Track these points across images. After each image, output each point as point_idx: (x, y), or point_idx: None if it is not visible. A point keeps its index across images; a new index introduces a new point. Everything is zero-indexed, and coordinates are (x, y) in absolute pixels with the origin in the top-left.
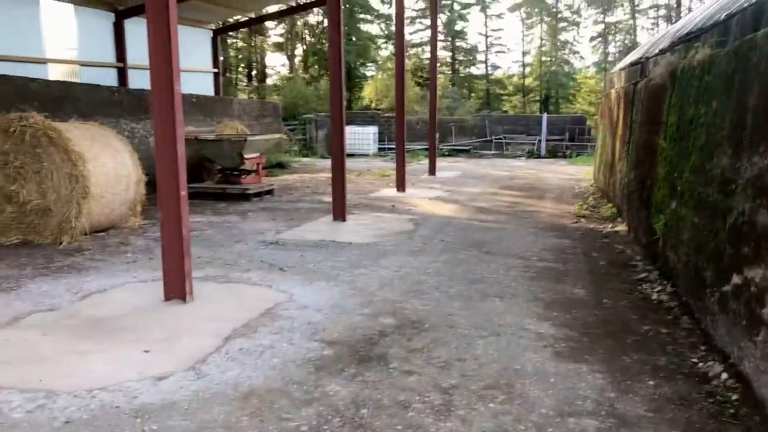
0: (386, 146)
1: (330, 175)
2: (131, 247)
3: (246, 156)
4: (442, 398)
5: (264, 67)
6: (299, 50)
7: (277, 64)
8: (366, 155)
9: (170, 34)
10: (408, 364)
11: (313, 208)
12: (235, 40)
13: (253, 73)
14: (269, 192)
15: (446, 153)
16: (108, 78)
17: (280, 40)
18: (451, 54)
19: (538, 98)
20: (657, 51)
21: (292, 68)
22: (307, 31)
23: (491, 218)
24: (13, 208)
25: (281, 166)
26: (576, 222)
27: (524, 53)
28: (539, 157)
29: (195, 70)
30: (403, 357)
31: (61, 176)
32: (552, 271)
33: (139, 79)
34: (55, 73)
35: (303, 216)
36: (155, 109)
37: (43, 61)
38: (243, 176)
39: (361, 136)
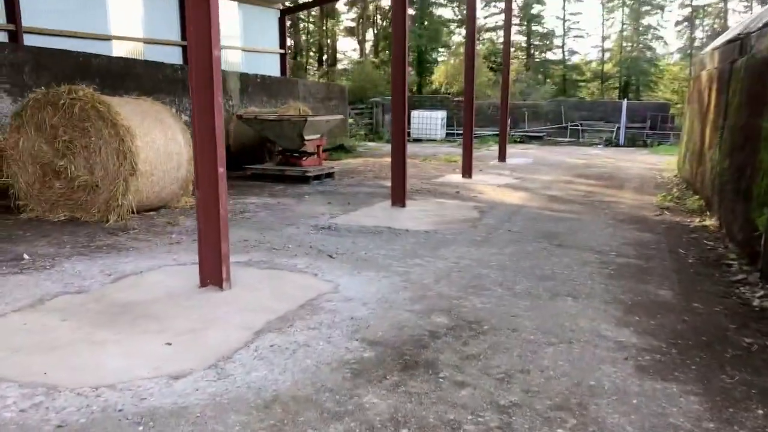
0: (455, 131)
1: None
2: (178, 228)
3: (306, 137)
4: (499, 419)
5: (335, 51)
6: (370, 35)
7: (348, 49)
8: (434, 140)
9: None
10: (461, 374)
11: (372, 192)
12: (306, 24)
13: (324, 57)
14: (329, 175)
15: (518, 139)
16: (172, 56)
17: (352, 24)
18: (526, 39)
19: (617, 85)
20: (762, 24)
21: (362, 53)
22: (378, 15)
23: (564, 208)
24: (62, 184)
25: (346, 150)
26: (659, 214)
27: (604, 38)
28: (618, 145)
29: (261, 51)
30: (456, 365)
31: (109, 152)
32: (633, 269)
33: None
34: (118, 50)
35: (361, 201)
36: (192, 75)
37: (107, 38)
38: (303, 158)
39: (429, 121)
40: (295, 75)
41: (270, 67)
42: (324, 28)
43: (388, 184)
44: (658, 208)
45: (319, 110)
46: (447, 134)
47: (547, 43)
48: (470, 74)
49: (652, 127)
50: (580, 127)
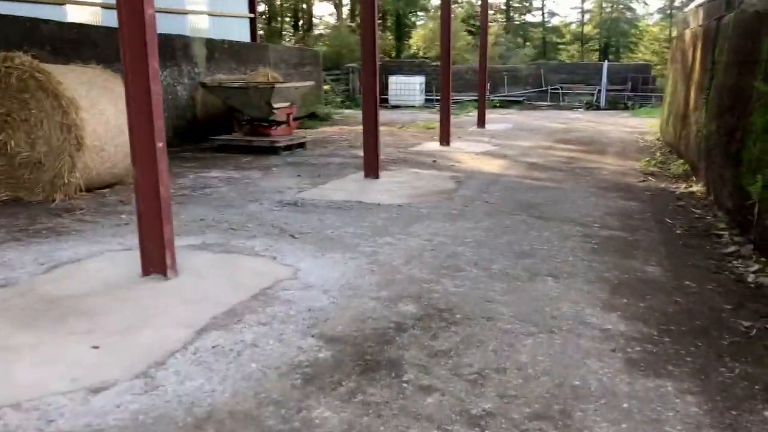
0: (434, 97)
1: None
2: (129, 207)
3: (275, 105)
4: None
5: (311, 15)
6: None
7: (325, 14)
8: (412, 106)
9: None
10: (428, 376)
11: (345, 163)
12: None
13: (300, 22)
14: (301, 145)
15: (498, 104)
16: None
17: None
18: (505, 1)
19: (597, 47)
20: None
21: (339, 17)
22: None
23: (545, 176)
24: (2, 161)
25: (321, 118)
26: (643, 181)
27: None
28: (598, 108)
29: (229, 15)
30: (423, 364)
31: (51, 125)
32: (618, 242)
33: (168, 24)
34: (74, 15)
35: (332, 172)
36: (122, 37)
37: (61, 2)
38: (273, 128)
39: (407, 86)
40: (270, 41)
41: (239, 32)
42: None
43: (363, 153)
44: (642, 174)
45: (292, 77)
46: (426, 100)
47: (527, 4)
48: (446, 37)
49: (633, 89)
50: (560, 91)
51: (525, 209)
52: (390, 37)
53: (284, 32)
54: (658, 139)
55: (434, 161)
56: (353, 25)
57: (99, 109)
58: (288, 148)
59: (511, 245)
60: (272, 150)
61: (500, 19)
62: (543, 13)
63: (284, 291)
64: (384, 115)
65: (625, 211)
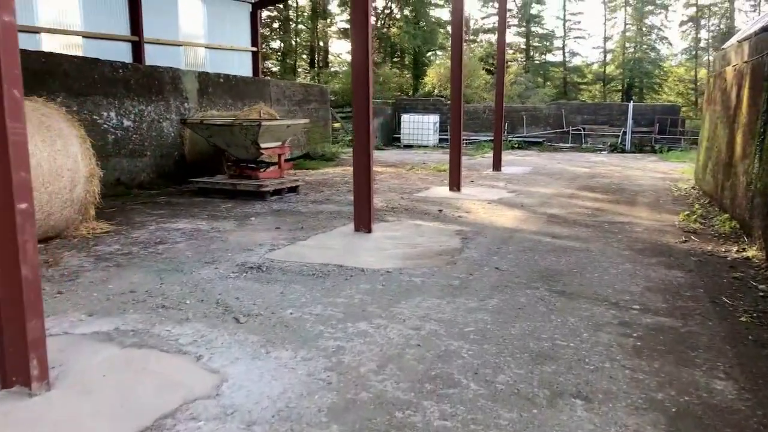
0: (449, 137)
1: (379, 168)
2: (51, 272)
3: (263, 145)
4: None
5: (327, 53)
6: None
7: (343, 51)
8: (426, 146)
9: None
10: None
11: (338, 212)
12: (296, 25)
13: (316, 59)
14: (293, 189)
15: (516, 145)
16: (119, 53)
17: (346, 26)
18: (525, 40)
19: (619, 88)
20: None
21: None
22: (373, 17)
23: (567, 232)
24: None
25: (326, 159)
26: (685, 241)
27: (606, 39)
28: (623, 151)
29: (229, 48)
30: None
31: None
32: (668, 336)
33: (160, 55)
34: (51, 45)
35: (319, 224)
36: None
37: (35, 31)
38: (261, 170)
39: (420, 125)
40: (284, 77)
41: (240, 66)
42: (315, 29)
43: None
44: (682, 231)
45: (295, 114)
46: (440, 140)
47: (547, 44)
48: (457, 74)
49: (661, 131)
50: (582, 132)
51: (544, 280)
52: (407, 75)
53: (299, 69)
54: (693, 187)
55: (440, 211)
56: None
57: (29, 150)
58: (277, 192)
59: (526, 339)
60: (258, 195)
61: (520, 59)
62: (564, 53)
63: (190, 422)
64: (394, 155)
65: (670, 285)
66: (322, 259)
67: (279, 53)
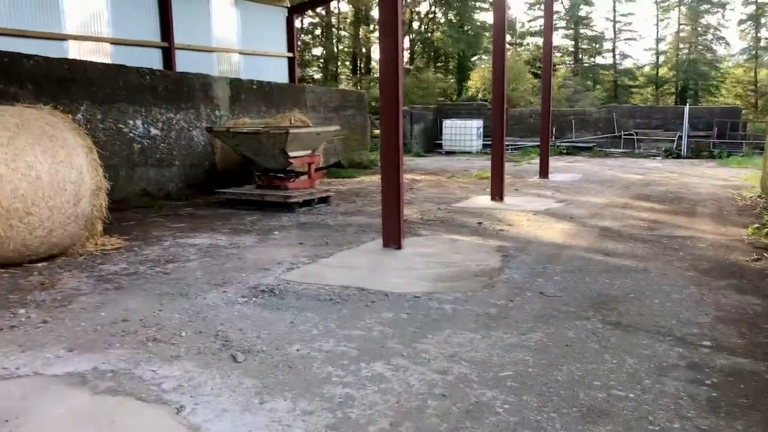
0: None
1: (418, 176)
2: (44, 295)
3: (291, 154)
4: None
5: (369, 59)
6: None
7: None
8: (468, 153)
9: None
10: None
11: (368, 225)
12: (339, 31)
13: (359, 65)
14: (324, 200)
15: (564, 150)
16: (150, 60)
17: None
18: (573, 42)
19: (673, 90)
20: None
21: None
22: (416, 21)
23: (622, 249)
24: None
25: (364, 166)
26: (758, 259)
27: (658, 40)
28: (679, 156)
29: (264, 54)
30: None
31: None
32: (750, 384)
33: (192, 62)
34: (77, 51)
35: (346, 238)
36: None
37: (62, 38)
38: (290, 180)
39: (462, 131)
40: (324, 84)
41: (276, 72)
42: (358, 35)
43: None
44: (753, 248)
45: (332, 121)
46: (484, 146)
47: (597, 46)
48: (499, 75)
49: (720, 135)
50: (635, 137)
51: (596, 308)
52: (451, 80)
53: (342, 75)
54: (760, 196)
55: (479, 223)
56: (411, 67)
57: (26, 162)
58: (306, 203)
59: (575, 387)
60: (286, 206)
61: (568, 62)
62: (614, 55)
63: None
64: (435, 161)
65: (745, 315)
66: (343, 281)
67: (321, 60)
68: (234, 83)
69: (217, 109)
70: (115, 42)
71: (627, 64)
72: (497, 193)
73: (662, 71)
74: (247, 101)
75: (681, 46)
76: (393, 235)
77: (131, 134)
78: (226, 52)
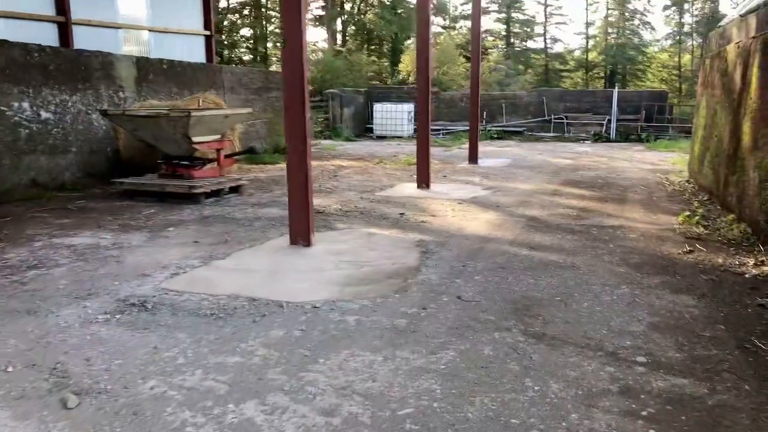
0: None
1: (344, 162)
2: None
3: (196, 139)
4: None
5: None
6: (340, 23)
7: (319, 40)
8: (399, 137)
9: None
10: None
11: (280, 217)
12: (269, 11)
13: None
14: (236, 189)
15: (495, 135)
16: (43, 35)
17: (321, 12)
18: (505, 27)
19: (602, 74)
20: None
21: (334, 42)
22: (349, 2)
23: (549, 241)
24: None
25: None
26: (690, 251)
27: (588, 24)
28: (608, 140)
29: (176, 31)
30: None
31: None
32: (692, 415)
33: (93, 39)
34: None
35: (251, 234)
36: None
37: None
38: (196, 167)
39: (394, 115)
40: (255, 66)
41: (191, 52)
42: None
43: (316, 201)
44: (685, 237)
45: (255, 103)
46: (415, 130)
47: (528, 30)
48: (424, 55)
49: (647, 119)
50: (565, 121)
51: (518, 315)
52: (386, 63)
53: (274, 57)
54: (688, 181)
55: (401, 214)
56: (343, 49)
57: None
58: (214, 194)
59: (488, 429)
60: (191, 197)
61: (500, 46)
62: (545, 39)
63: None
64: (365, 146)
65: (681, 320)
66: (233, 289)
67: (251, 41)
68: (141, 62)
69: (121, 90)
70: (2, 15)
71: (558, 48)
72: (423, 181)
73: (592, 55)
74: (156, 82)
75: (609, 30)
76: (301, 231)
77: (16, 118)
78: (134, 29)
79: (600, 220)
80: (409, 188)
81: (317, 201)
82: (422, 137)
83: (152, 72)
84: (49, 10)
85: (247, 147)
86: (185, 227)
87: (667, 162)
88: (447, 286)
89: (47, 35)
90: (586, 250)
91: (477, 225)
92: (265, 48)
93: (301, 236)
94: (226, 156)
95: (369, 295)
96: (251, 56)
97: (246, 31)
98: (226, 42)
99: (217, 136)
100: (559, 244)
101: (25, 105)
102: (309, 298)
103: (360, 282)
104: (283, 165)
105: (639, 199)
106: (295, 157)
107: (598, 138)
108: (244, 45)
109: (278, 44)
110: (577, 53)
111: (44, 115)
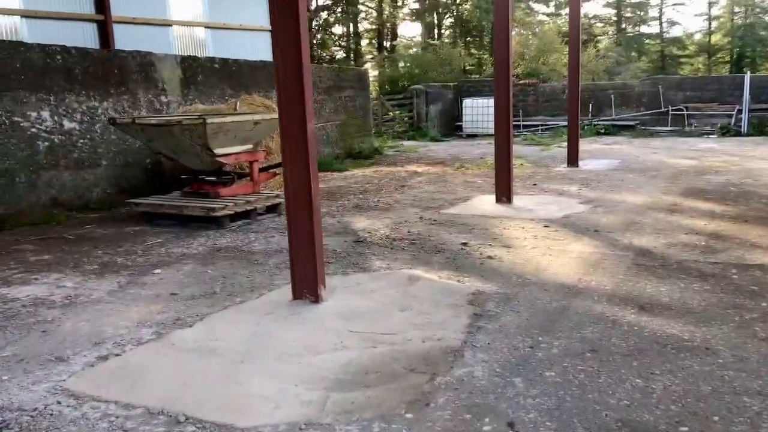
0: (521, 122)
1: (419, 167)
2: None
3: (218, 150)
4: None
5: (395, 36)
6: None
7: (416, 34)
8: (491, 136)
9: None
10: None
11: None
12: (367, 9)
13: (385, 43)
14: (273, 209)
15: (603, 131)
16: (81, 37)
17: (416, 5)
18: (616, 11)
19: (728, 59)
20: None
21: (430, 36)
22: None
23: (667, 295)
24: None
25: (364, 155)
26: None
27: (711, 4)
28: (739, 134)
29: (236, 28)
30: None
31: None
32: None
33: (138, 38)
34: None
35: (255, 279)
36: None
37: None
38: (224, 184)
39: (485, 111)
40: (345, 63)
41: (256, 50)
42: (384, 11)
43: (362, 224)
44: None
45: (325, 104)
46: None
47: (641, 14)
48: (502, 36)
49: None
50: (684, 112)
51: None
52: (485, 55)
53: (368, 55)
54: None
55: (464, 244)
56: (437, 43)
57: None
58: (245, 215)
59: None
60: (213, 221)
61: (611, 32)
62: (660, 23)
63: None
64: (451, 147)
65: None
66: (164, 394)
67: (343, 39)
68: (187, 62)
69: (163, 94)
70: (26, 15)
71: (675, 32)
72: (504, 193)
73: (715, 38)
74: (207, 84)
75: (736, 9)
76: (306, 279)
77: (34, 129)
78: (187, 26)
79: (740, 254)
80: (485, 202)
81: (364, 223)
82: (502, 137)
83: (201, 72)
84: (88, 9)
85: (355, 150)
86: (179, 267)
87: None
88: (497, 394)
89: (86, 37)
90: (725, 313)
91: (563, 264)
92: (358, 45)
93: (306, 287)
94: (261, 170)
95: (365, 412)
96: (344, 54)
97: (338, 29)
98: (315, 41)
99: (248, 146)
100: (682, 300)
101: (45, 114)
102: (270, 419)
103: (361, 380)
104: (353, 172)
105: None
106: (297, 180)
107: (726, 132)
108: (337, 43)
109: (374, 41)
110: (697, 36)
111: (68, 125)
